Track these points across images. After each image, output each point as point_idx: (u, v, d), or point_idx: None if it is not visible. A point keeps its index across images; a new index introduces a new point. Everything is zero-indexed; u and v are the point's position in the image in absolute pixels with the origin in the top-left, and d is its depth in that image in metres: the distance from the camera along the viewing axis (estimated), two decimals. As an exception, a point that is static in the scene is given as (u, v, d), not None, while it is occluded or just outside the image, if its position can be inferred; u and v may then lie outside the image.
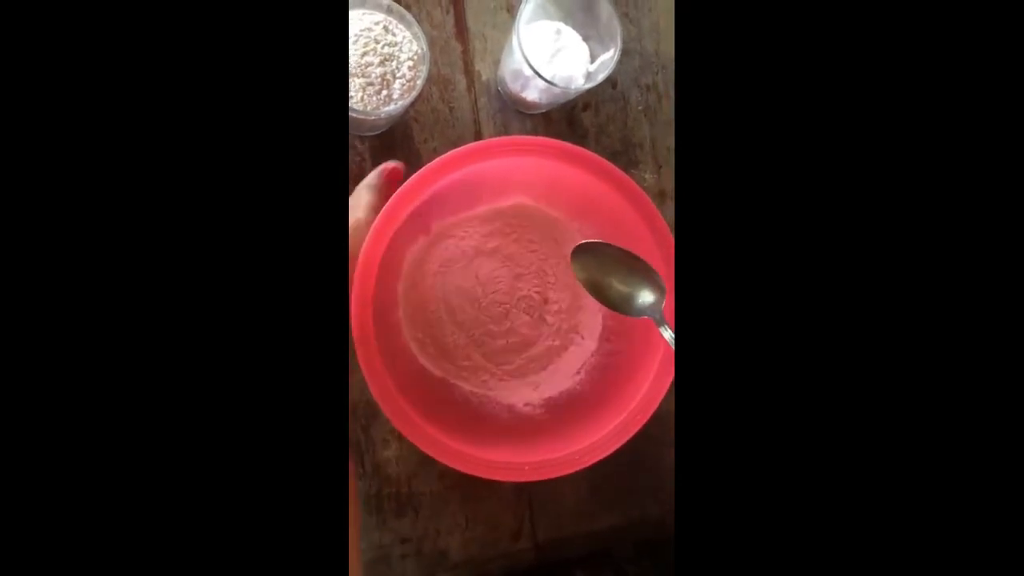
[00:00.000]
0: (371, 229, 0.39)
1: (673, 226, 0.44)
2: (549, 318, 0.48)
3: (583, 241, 0.40)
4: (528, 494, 0.50)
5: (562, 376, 0.48)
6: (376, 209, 0.39)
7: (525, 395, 0.47)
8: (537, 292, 0.48)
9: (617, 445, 0.41)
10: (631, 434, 0.41)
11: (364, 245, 0.39)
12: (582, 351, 0.48)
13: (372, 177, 0.42)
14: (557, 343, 0.48)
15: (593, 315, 0.48)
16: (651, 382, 0.42)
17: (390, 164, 0.42)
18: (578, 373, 0.47)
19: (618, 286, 0.40)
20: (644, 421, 0.41)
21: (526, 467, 0.40)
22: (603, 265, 0.40)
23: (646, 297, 0.40)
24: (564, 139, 0.46)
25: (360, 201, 0.41)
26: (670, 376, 0.42)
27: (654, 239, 0.42)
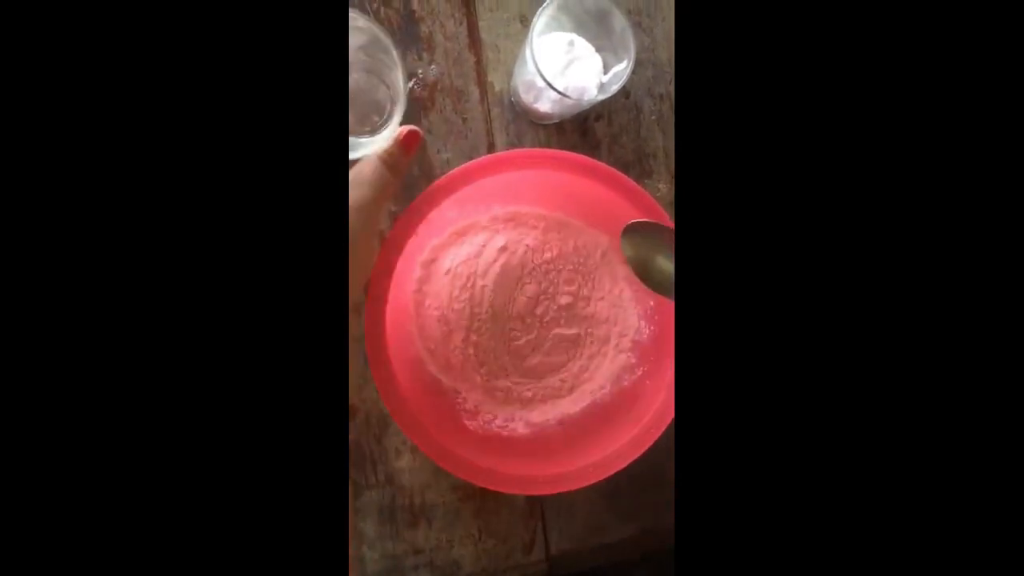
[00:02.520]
0: (386, 239, 0.39)
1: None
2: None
3: (634, 220, 0.41)
4: (541, 506, 0.49)
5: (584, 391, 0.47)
6: (386, 185, 0.36)
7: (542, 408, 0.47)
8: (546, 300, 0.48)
9: (632, 458, 0.40)
10: (646, 447, 0.41)
11: (379, 254, 0.39)
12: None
13: (385, 145, 0.36)
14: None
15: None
16: (665, 394, 0.42)
17: (404, 129, 0.36)
18: (602, 388, 0.47)
19: (663, 264, 0.41)
20: (659, 434, 0.41)
21: (540, 480, 0.40)
22: (651, 243, 0.41)
23: None
24: (577, 150, 0.46)
25: (365, 175, 0.35)
26: (685, 388, 0.41)
27: (668, 250, 0.41)
